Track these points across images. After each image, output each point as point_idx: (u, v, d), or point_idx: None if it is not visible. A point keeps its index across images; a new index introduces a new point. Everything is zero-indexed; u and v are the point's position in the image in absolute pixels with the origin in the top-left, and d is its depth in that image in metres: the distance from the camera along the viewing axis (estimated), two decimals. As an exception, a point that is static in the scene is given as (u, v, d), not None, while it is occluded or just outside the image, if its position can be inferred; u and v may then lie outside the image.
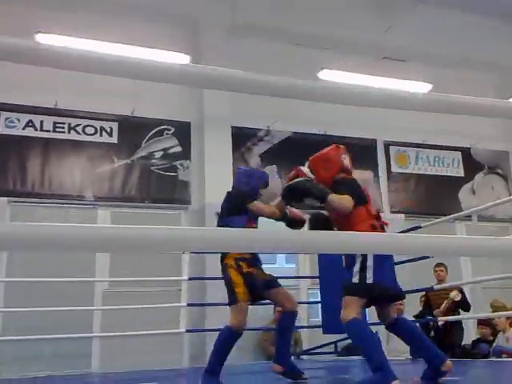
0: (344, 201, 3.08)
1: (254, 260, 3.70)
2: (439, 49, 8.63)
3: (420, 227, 5.41)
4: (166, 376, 5.15)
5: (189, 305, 6.10)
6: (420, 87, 8.63)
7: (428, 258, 5.59)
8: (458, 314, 6.40)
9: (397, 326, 3.21)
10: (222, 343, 3.56)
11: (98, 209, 7.26)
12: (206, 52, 7.89)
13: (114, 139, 7.44)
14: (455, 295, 6.30)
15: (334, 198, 3.07)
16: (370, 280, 3.00)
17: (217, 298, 6.50)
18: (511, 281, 8.44)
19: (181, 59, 7.70)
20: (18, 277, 6.21)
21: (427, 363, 3.12)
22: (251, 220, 3.71)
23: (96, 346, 6.63)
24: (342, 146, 3.41)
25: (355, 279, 3.04)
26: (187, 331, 6.02)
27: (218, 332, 3.57)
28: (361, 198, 3.19)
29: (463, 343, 6.32)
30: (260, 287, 3.67)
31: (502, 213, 8.60)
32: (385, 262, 3.06)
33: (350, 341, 6.54)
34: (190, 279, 6.19)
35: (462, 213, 6.27)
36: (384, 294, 3.10)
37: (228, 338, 3.57)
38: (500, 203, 5.50)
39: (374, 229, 3.08)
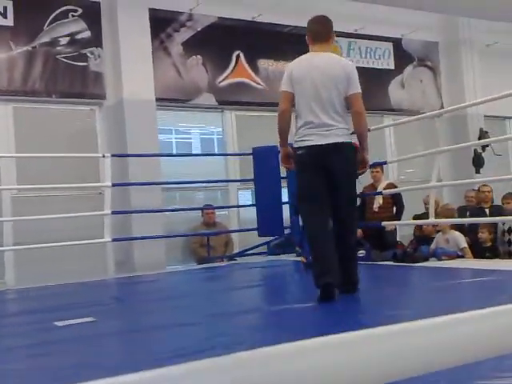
0: None
1: None
2: None
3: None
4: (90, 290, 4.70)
5: (113, 212, 5.52)
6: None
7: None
8: (393, 212, 6.35)
9: None
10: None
11: (-3, 104, 6.24)
12: None
13: (10, 21, 6.27)
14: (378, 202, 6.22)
15: None
16: None
17: (141, 205, 6.00)
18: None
19: None
20: None
21: None
22: None
23: (9, 258, 5.96)
24: None
25: None
26: (113, 240, 5.51)
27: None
28: None
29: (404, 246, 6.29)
30: None
31: (430, 106, 8.49)
32: None
33: (280, 239, 6.45)
34: (113, 185, 5.56)
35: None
36: None
37: None
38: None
39: None
